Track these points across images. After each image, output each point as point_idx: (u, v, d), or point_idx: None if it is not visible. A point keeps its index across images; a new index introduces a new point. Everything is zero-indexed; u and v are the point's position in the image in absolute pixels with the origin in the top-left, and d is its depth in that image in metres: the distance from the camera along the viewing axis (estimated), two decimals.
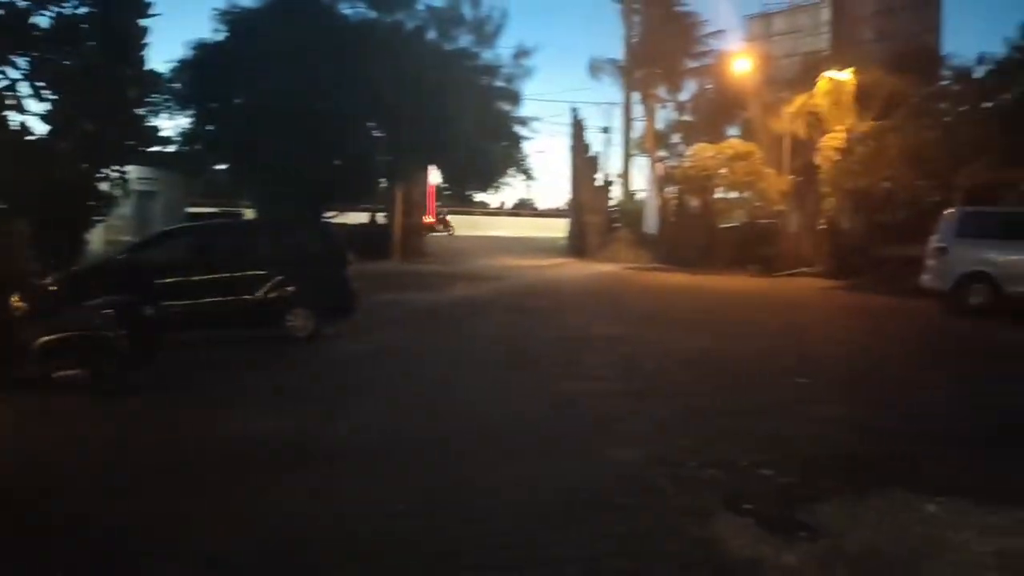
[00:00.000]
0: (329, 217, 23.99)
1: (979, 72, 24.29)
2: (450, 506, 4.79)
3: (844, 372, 9.51)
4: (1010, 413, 7.35)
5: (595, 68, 32.31)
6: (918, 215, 20.34)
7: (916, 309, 15.62)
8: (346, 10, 24.77)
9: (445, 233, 41.03)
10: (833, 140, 23.73)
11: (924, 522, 4.54)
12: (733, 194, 28.56)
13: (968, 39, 77.99)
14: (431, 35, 26.22)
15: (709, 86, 31.24)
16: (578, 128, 32.51)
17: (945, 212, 16.32)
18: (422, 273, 22.60)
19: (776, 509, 4.72)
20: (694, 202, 28.30)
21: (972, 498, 4.83)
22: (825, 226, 24.54)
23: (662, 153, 32.37)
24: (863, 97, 24.33)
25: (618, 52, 32.51)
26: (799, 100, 25.43)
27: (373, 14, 25.04)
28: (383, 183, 28.13)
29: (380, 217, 30.43)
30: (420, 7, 26.01)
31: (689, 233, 26.91)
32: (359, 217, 30.35)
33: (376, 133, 25.23)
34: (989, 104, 22.94)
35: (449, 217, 43.38)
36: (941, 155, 21.00)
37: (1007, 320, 13.70)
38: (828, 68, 25.64)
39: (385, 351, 10.68)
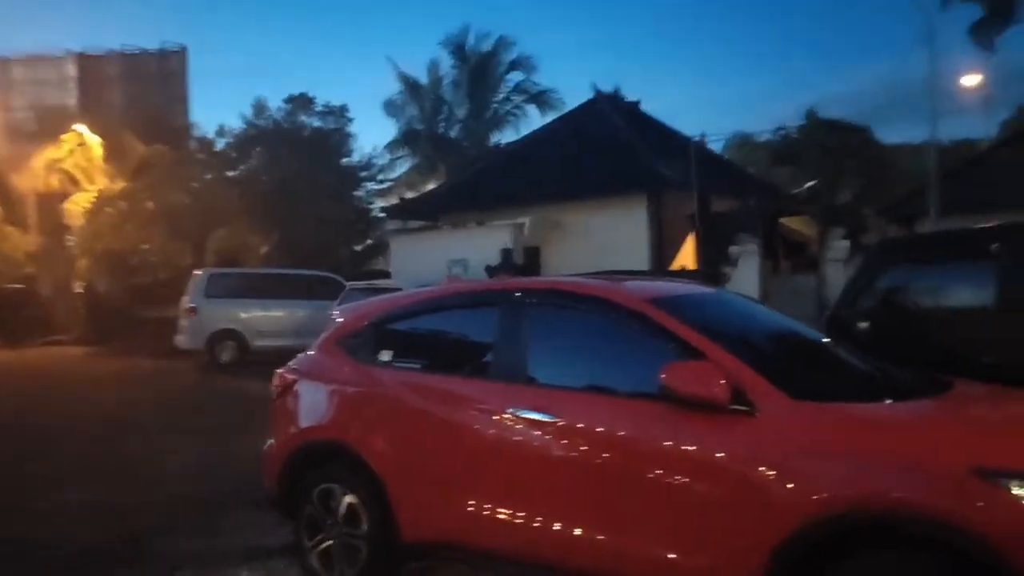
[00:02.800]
0: None
1: (221, 143, 26.54)
2: None
3: (94, 446, 8.83)
4: (241, 477, 6.68)
5: None
6: (176, 277, 20.90)
7: (175, 369, 15.84)
8: None
9: None
10: (83, 200, 22.78)
11: None
12: None
13: (223, 108, 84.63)
14: None
15: None
16: None
17: (194, 273, 17.12)
18: None
19: None
20: None
21: (213, 566, 4.82)
22: (82, 290, 23.25)
23: None
24: (114, 159, 24.02)
25: None
26: (46, 155, 23.76)
27: None
28: None
29: None
30: None
31: None
32: None
33: None
34: (231, 173, 25.20)
35: None
36: (192, 219, 22.07)
37: (256, 371, 14.87)
38: (76, 124, 24.59)
39: None
